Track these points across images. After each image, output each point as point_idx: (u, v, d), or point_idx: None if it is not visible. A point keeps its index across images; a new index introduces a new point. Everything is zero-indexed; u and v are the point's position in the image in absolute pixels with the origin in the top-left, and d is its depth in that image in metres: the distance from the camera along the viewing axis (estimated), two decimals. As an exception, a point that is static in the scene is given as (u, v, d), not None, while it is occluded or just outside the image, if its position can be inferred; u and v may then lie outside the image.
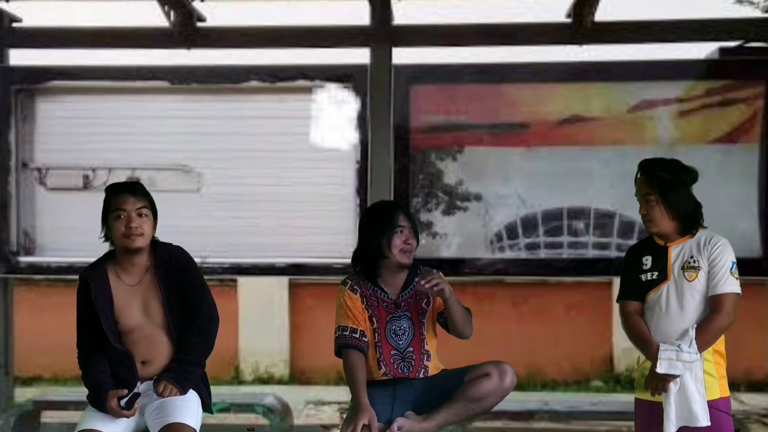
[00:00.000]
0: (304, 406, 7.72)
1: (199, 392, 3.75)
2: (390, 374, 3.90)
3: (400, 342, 3.92)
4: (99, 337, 3.69)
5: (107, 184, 5.98)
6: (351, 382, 3.85)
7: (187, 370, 3.70)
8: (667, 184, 3.72)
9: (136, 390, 3.68)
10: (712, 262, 3.69)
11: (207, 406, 3.80)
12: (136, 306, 3.72)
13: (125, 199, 3.68)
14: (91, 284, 3.69)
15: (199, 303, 3.74)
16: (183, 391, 3.65)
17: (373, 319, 3.93)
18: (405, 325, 3.93)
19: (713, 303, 3.67)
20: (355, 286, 3.96)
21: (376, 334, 3.92)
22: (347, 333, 3.90)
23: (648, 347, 3.71)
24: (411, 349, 3.92)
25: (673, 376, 3.61)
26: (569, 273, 6.42)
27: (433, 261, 5.55)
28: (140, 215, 3.68)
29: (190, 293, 3.74)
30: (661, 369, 3.61)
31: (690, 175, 3.80)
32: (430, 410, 3.80)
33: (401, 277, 3.98)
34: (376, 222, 3.96)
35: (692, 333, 3.63)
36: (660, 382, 3.64)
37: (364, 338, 3.90)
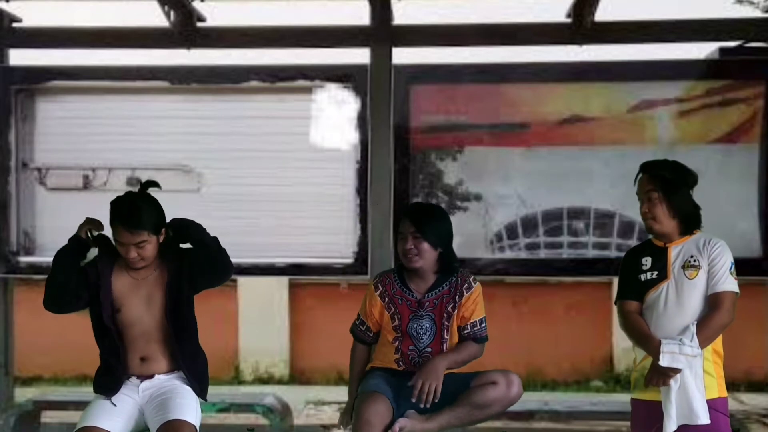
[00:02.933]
0: (304, 406, 7.72)
1: (192, 383, 3.76)
2: (401, 364, 3.97)
3: (421, 341, 3.97)
4: (98, 323, 3.74)
5: (107, 184, 6.09)
6: (351, 368, 4.16)
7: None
8: (669, 183, 3.76)
9: (131, 383, 3.71)
10: (711, 262, 3.72)
11: (201, 395, 3.80)
12: (137, 298, 3.73)
13: (122, 233, 3.64)
14: (98, 263, 3.73)
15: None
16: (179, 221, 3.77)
17: (395, 317, 4.00)
18: (427, 325, 3.98)
19: (713, 301, 3.69)
20: (379, 284, 4.08)
21: (397, 331, 3.99)
22: (363, 328, 4.13)
23: (649, 343, 3.72)
24: (430, 349, 3.96)
25: (675, 371, 3.62)
26: (569, 273, 6.42)
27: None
28: (139, 246, 3.66)
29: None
30: (664, 362, 3.62)
31: (692, 177, 3.84)
32: (433, 411, 3.81)
33: (427, 278, 4.03)
34: (395, 227, 4.08)
35: (693, 329, 3.64)
36: (661, 377, 3.65)
37: (369, 333, 4.11)
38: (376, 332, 4.09)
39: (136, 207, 3.64)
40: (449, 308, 3.98)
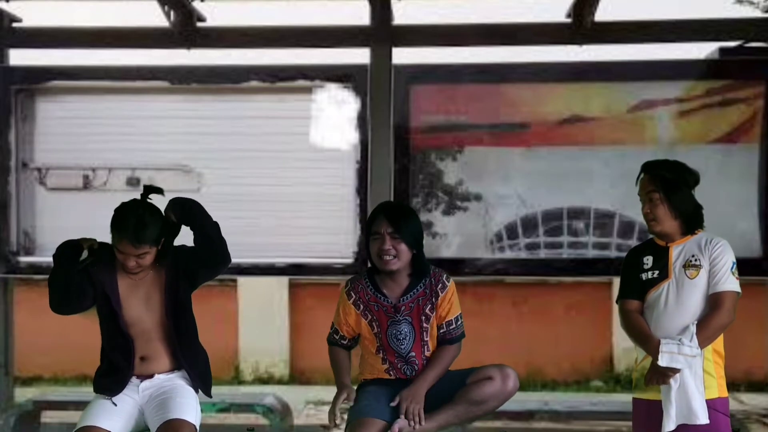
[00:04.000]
0: (304, 406, 7.73)
1: (193, 381, 3.76)
2: (392, 374, 3.93)
3: (402, 346, 3.90)
4: (104, 318, 3.73)
5: (107, 184, 6.09)
6: (333, 368, 4.11)
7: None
8: (670, 183, 3.76)
9: (131, 383, 3.70)
10: (713, 261, 3.71)
11: (206, 392, 3.80)
12: (137, 298, 3.73)
13: (126, 246, 3.62)
14: (100, 263, 3.71)
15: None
16: (179, 200, 3.75)
17: (374, 324, 3.92)
18: (405, 329, 3.90)
19: (713, 300, 3.69)
20: (352, 292, 3.97)
21: (378, 339, 3.92)
22: (337, 336, 4.09)
23: (649, 342, 3.72)
24: (413, 354, 3.91)
25: (674, 371, 3.62)
26: (569, 273, 6.42)
27: (433, 261, 5.51)
28: (140, 257, 3.65)
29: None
30: (662, 362, 3.62)
31: (693, 176, 3.84)
32: (431, 410, 3.81)
33: (401, 281, 3.93)
34: (367, 227, 4.00)
35: (693, 328, 3.64)
36: (660, 377, 3.65)
37: (349, 342, 4.07)
38: (351, 338, 4.04)
39: (143, 223, 3.61)
40: (427, 310, 3.90)
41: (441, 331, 3.93)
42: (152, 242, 3.65)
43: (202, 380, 3.79)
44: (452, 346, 3.94)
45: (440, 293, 3.91)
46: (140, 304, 3.73)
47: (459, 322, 3.95)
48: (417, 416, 3.75)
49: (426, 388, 3.82)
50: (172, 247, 3.78)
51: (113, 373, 3.72)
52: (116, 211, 3.69)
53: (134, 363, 3.72)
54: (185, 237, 3.79)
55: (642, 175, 3.88)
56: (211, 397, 3.86)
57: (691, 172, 3.84)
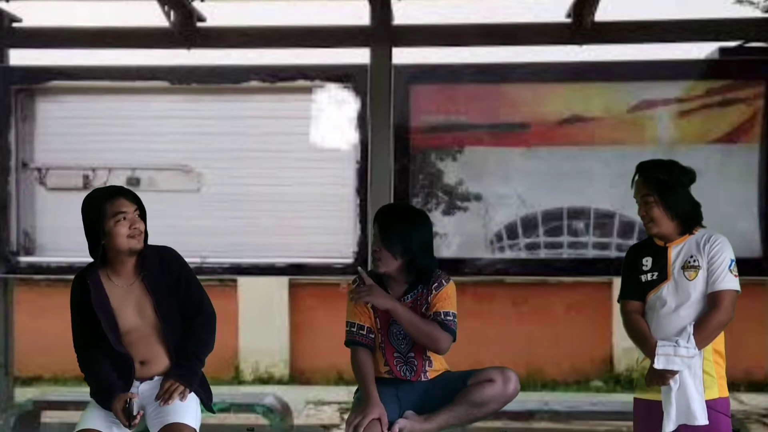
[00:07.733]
0: (304, 406, 7.72)
1: (197, 394, 3.74)
2: (392, 374, 3.93)
3: (403, 345, 3.91)
4: (99, 339, 3.69)
5: (107, 184, 6.08)
6: (359, 377, 3.87)
7: (194, 366, 3.70)
8: (665, 185, 3.75)
9: (134, 389, 3.69)
10: (711, 260, 3.71)
11: (207, 406, 3.80)
12: (130, 308, 3.72)
13: (122, 202, 3.68)
14: (90, 286, 3.69)
15: (197, 298, 3.77)
16: (191, 389, 3.65)
17: (377, 319, 3.93)
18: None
19: (711, 300, 3.69)
20: (361, 286, 3.96)
21: (380, 335, 3.93)
22: (354, 329, 3.93)
23: (647, 344, 3.73)
24: (413, 354, 3.92)
25: (672, 372, 3.62)
26: (569, 273, 6.42)
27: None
28: (138, 215, 3.70)
29: (185, 290, 3.75)
30: (658, 365, 3.63)
31: (688, 175, 3.82)
32: (432, 411, 3.81)
33: (401, 282, 3.94)
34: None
35: (690, 329, 3.65)
36: (660, 379, 3.66)
37: (370, 335, 3.92)
38: (371, 328, 3.91)
39: (120, 186, 3.82)
40: (423, 310, 3.89)
41: (434, 316, 3.84)
42: (138, 202, 3.71)
43: (204, 393, 3.79)
44: (441, 329, 3.81)
45: (434, 291, 3.87)
46: (133, 312, 3.72)
47: (450, 318, 3.85)
48: (364, 294, 3.80)
49: (394, 307, 3.80)
50: (160, 261, 3.76)
51: (109, 389, 3.68)
52: (92, 193, 3.76)
53: (134, 373, 3.70)
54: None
55: (636, 177, 3.86)
56: (213, 412, 3.85)
57: (686, 171, 3.83)
